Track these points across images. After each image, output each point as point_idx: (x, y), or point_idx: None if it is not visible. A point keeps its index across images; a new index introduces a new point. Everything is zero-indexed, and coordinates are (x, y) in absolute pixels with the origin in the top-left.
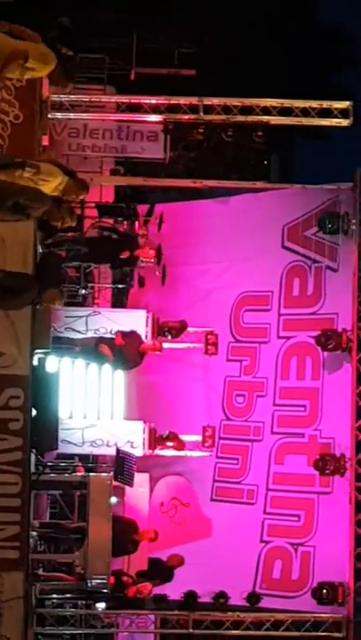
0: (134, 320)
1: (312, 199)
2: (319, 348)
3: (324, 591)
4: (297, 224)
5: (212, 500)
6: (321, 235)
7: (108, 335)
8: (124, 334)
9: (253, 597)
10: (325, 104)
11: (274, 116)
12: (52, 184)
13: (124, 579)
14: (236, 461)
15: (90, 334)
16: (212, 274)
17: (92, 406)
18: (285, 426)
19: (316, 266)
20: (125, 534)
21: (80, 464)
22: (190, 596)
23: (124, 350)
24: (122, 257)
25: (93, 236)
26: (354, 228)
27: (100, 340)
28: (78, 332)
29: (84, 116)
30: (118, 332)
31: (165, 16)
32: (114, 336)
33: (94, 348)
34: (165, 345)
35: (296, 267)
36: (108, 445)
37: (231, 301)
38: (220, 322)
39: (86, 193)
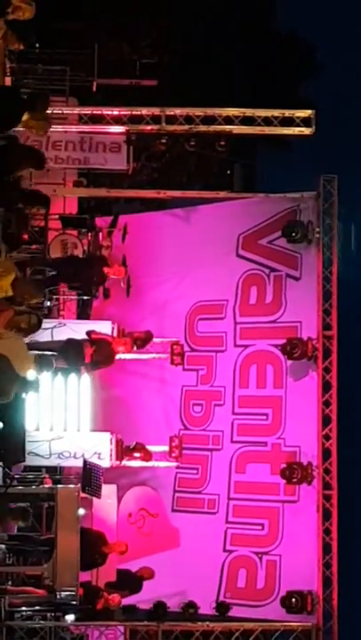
0: (100, 331)
1: (269, 208)
2: (282, 356)
3: (294, 600)
4: (253, 233)
5: (173, 510)
6: (279, 243)
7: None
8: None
9: (223, 607)
10: (288, 113)
11: (236, 125)
12: None
13: (104, 594)
14: (195, 471)
15: None
16: (171, 284)
17: (58, 418)
18: (246, 434)
19: (276, 274)
20: (94, 546)
21: (47, 476)
22: (159, 607)
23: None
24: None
25: (59, 256)
26: (317, 236)
27: (70, 340)
28: None
29: None
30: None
31: (126, 27)
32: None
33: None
34: (131, 356)
35: (253, 275)
36: (75, 457)
37: (186, 310)
38: (177, 331)
39: None
